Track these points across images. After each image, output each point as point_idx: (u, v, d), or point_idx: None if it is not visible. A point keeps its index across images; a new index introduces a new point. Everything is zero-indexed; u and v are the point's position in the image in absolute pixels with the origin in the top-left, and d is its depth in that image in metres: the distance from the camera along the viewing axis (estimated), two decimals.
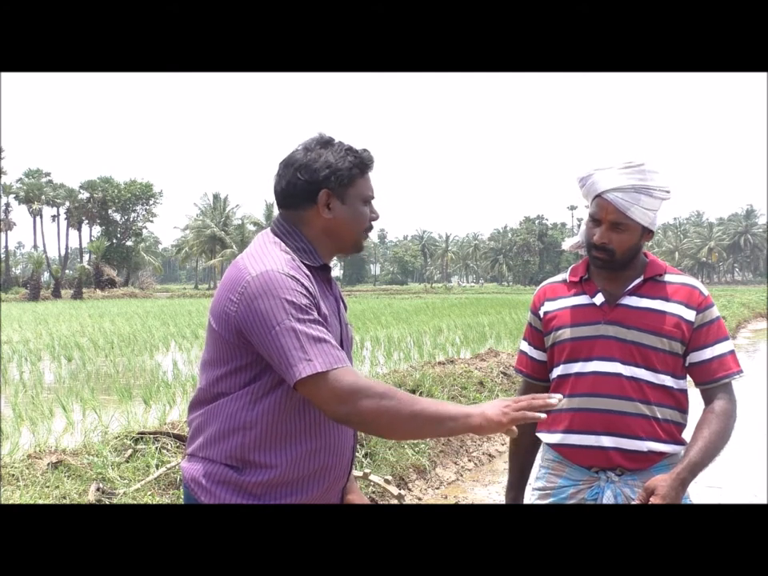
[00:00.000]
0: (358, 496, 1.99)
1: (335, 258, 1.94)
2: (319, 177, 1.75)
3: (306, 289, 1.68)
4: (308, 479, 1.73)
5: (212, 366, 1.74)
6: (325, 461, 1.74)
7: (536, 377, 2.31)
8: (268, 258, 1.70)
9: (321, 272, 1.81)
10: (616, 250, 2.08)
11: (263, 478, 1.69)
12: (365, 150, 1.82)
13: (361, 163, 1.80)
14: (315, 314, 1.67)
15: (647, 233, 2.11)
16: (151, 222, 71.66)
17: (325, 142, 1.79)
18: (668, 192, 2.09)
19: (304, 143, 1.81)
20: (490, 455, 6.90)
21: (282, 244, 1.77)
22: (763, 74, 2.61)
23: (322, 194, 1.76)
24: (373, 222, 1.86)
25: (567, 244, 2.33)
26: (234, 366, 1.70)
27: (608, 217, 2.07)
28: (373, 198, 1.85)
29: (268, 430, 1.69)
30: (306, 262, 1.76)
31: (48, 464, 4.59)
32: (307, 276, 1.72)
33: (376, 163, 1.85)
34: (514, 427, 1.60)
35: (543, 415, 1.58)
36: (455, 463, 6.50)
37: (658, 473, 2.02)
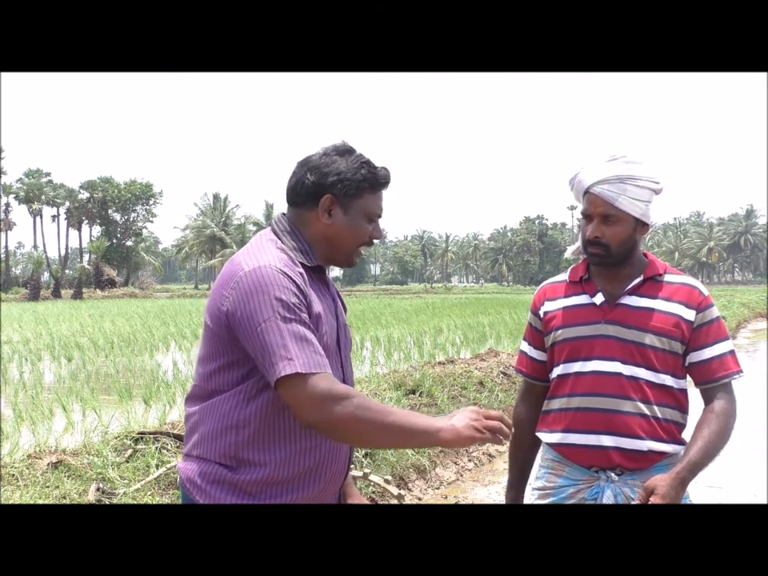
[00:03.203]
0: (358, 499, 1.98)
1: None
2: (326, 181, 1.76)
3: (298, 287, 1.68)
4: (303, 477, 1.73)
5: (205, 362, 1.75)
6: (319, 459, 1.74)
7: (536, 377, 2.31)
8: (262, 255, 1.71)
9: (316, 272, 1.81)
10: (610, 244, 2.08)
11: (257, 476, 1.69)
12: (383, 168, 1.81)
13: (374, 179, 1.79)
14: (304, 314, 1.67)
15: (641, 226, 2.11)
16: (151, 222, 71.77)
17: (343, 150, 1.79)
18: (657, 183, 2.09)
19: (324, 147, 1.81)
20: (489, 455, 6.90)
21: (279, 242, 1.77)
22: (763, 74, 2.61)
23: (325, 198, 1.76)
24: (374, 240, 1.84)
25: (569, 251, 2.34)
26: (225, 362, 1.71)
27: (597, 210, 2.08)
28: (380, 216, 1.83)
29: (261, 428, 1.69)
30: (302, 262, 1.76)
31: (48, 464, 4.59)
32: (301, 274, 1.72)
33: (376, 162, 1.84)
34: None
35: (506, 441, 1.62)
36: (455, 463, 6.50)
37: (657, 472, 2.02)
